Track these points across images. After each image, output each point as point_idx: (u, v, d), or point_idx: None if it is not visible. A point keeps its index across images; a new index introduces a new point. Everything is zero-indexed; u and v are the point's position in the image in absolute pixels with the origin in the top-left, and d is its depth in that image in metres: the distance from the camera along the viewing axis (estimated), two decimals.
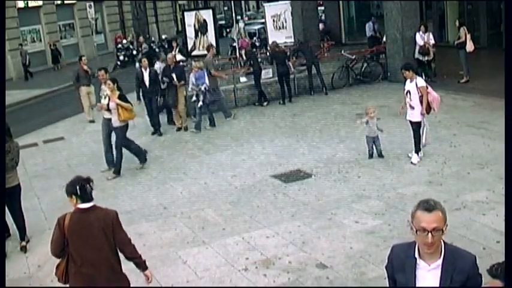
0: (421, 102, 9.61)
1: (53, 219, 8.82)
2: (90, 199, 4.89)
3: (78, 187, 4.83)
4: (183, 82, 13.61)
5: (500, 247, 6.29)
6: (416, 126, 9.85)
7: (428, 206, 3.22)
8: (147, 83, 13.55)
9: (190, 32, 20.32)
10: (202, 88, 13.54)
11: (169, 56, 14.35)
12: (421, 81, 9.83)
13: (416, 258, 3.31)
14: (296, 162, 10.65)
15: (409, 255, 3.34)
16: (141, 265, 5.16)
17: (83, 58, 16.72)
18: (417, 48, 16.03)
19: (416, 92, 9.64)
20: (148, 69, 13.63)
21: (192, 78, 13.70)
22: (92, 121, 15.56)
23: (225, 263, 7.00)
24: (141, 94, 13.80)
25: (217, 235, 7.81)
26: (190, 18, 20.47)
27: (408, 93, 9.77)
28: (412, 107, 9.75)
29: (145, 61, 13.83)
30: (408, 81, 9.84)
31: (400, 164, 10.01)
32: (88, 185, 4.87)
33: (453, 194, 8.41)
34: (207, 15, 20.17)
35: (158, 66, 14.86)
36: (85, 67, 16.21)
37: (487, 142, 10.54)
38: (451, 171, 9.39)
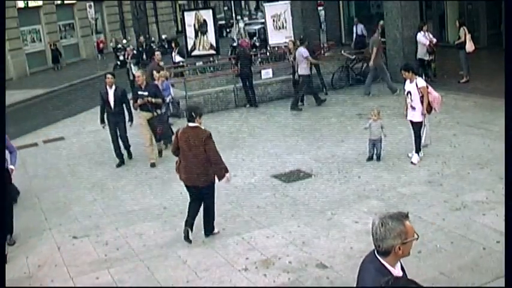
0: (422, 102, 9.62)
1: (53, 219, 8.91)
2: (194, 121, 7.35)
3: (188, 111, 7.51)
4: (160, 100, 11.43)
5: (500, 247, 6.29)
6: (416, 127, 9.84)
7: (405, 214, 3.33)
8: (111, 104, 11.21)
9: (190, 32, 20.32)
10: (167, 100, 12.57)
11: (138, 73, 11.55)
12: (421, 82, 9.82)
13: (394, 276, 3.28)
14: (296, 162, 10.65)
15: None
16: (219, 172, 7.53)
17: (156, 53, 15.62)
18: (419, 48, 15.96)
19: (417, 93, 9.64)
20: (114, 87, 11.23)
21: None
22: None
23: (225, 263, 7.00)
24: (105, 117, 11.51)
25: (217, 235, 7.82)
26: (190, 18, 20.46)
27: (409, 94, 9.77)
28: (413, 108, 9.75)
29: (110, 77, 11.26)
30: (408, 81, 9.83)
31: (400, 164, 10.00)
32: (193, 112, 7.36)
33: (453, 194, 8.41)
34: (207, 15, 20.17)
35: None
36: (161, 63, 15.02)
37: (487, 142, 10.53)
38: (451, 171, 9.38)
